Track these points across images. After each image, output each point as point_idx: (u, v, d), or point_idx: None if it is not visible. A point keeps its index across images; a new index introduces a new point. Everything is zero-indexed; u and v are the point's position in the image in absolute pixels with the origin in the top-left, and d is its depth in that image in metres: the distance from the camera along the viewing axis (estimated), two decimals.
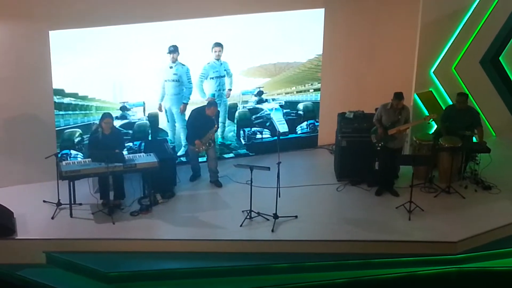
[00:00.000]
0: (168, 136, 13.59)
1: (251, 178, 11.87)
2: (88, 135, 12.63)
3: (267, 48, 13.69)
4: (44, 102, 12.56)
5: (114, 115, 12.61)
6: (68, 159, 12.76)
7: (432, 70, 14.20)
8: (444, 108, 13.93)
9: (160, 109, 13.42)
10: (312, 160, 14.29)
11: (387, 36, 14.21)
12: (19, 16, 11.98)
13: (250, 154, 14.27)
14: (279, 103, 14.27)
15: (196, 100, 13.38)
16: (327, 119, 14.20)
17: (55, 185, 12.03)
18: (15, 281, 11.07)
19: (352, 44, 14.18)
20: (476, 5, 13.99)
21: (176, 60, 13.14)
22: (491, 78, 14.78)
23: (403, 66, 14.15)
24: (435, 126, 14.17)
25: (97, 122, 12.41)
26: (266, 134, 14.31)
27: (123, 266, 11.16)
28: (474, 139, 13.39)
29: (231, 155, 14.17)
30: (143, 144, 13.36)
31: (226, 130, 14.01)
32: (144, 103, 13.27)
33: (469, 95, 13.79)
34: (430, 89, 14.32)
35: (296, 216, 12.10)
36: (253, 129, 14.21)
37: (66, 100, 12.70)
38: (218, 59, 13.44)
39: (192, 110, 13.06)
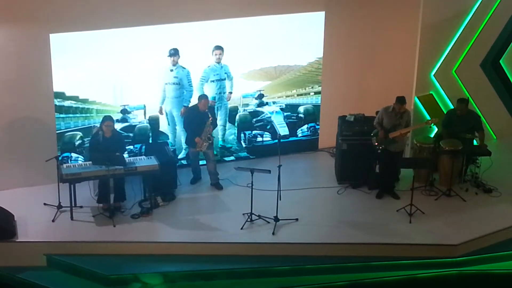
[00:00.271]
0: (168, 139, 13.59)
1: (252, 181, 11.87)
2: (89, 138, 12.63)
3: (267, 51, 13.70)
4: (45, 105, 12.57)
5: (115, 118, 12.63)
6: (69, 162, 12.77)
7: (433, 73, 14.20)
8: (445, 112, 13.93)
9: (160, 112, 13.42)
10: (313, 163, 14.29)
11: (388, 39, 14.22)
12: (20, 19, 12.00)
13: (251, 157, 14.27)
14: (280, 106, 14.27)
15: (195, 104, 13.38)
16: (328, 122, 14.20)
17: (56, 188, 12.04)
18: (16, 283, 11.07)
19: (353, 47, 14.19)
20: (477, 8, 13.99)
21: (177, 63, 13.15)
22: (491, 81, 14.78)
23: (404, 69, 14.16)
24: (436, 129, 14.17)
25: (98, 125, 12.42)
26: (267, 137, 14.31)
27: (124, 268, 11.16)
28: (475, 142, 13.39)
29: (232, 158, 14.17)
30: (143, 147, 13.36)
31: (227, 133, 14.02)
32: (144, 106, 13.28)
33: (470, 98, 13.80)
34: (430, 92, 14.32)
35: (297, 219, 12.10)
36: (253, 132, 14.21)
37: (67, 103, 12.71)
38: (218, 62, 13.45)
39: (186, 111, 13.06)
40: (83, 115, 12.90)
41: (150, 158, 12.29)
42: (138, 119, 13.31)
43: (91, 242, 11.56)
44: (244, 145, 14.23)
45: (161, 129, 13.52)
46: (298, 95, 14.36)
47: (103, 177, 11.91)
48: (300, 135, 14.54)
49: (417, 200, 12.36)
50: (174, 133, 13.60)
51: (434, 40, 13.90)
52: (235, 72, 13.65)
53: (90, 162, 12.01)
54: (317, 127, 14.56)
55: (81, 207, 12.22)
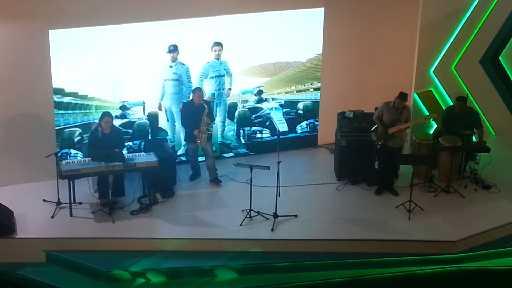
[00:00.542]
0: (168, 135, 13.59)
1: (251, 177, 11.88)
2: (88, 134, 12.63)
3: (267, 47, 13.69)
4: (44, 101, 12.57)
5: (114, 114, 12.63)
6: (68, 158, 12.77)
7: (432, 69, 14.20)
8: (444, 108, 13.93)
9: (160, 109, 13.42)
10: (312, 160, 14.29)
11: (387, 35, 14.21)
12: (19, 15, 11.99)
13: (250, 153, 14.27)
14: (279, 102, 14.27)
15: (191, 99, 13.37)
16: (327, 118, 14.20)
17: (55, 184, 12.04)
18: (15, 280, 11.08)
19: (352, 44, 14.18)
20: (476, 5, 13.99)
21: (176, 59, 13.15)
22: (491, 78, 14.78)
23: (403, 66, 14.16)
24: (435, 126, 14.17)
25: (97, 121, 12.42)
26: (266, 134, 14.31)
27: (123, 265, 11.16)
28: (474, 139, 13.39)
29: (231, 154, 14.17)
30: (143, 143, 13.36)
31: (226, 130, 14.02)
32: (144, 102, 13.28)
33: (469, 94, 13.79)
34: (430, 89, 14.32)
35: (296, 215, 12.11)
36: (253, 128, 14.21)
37: (66, 99, 12.71)
38: (218, 59, 13.44)
39: (182, 106, 13.06)
40: (82, 111, 12.90)
41: (149, 154, 12.30)
42: (137, 115, 13.31)
43: (90, 238, 11.57)
44: (243, 142, 14.23)
45: (160, 125, 13.52)
46: (297, 91, 14.36)
47: (102, 174, 11.91)
48: (299, 131, 14.54)
49: (416, 197, 12.36)
50: (173, 129, 13.60)
51: (434, 37, 13.90)
52: (234, 68, 13.65)
53: (89, 159, 12.02)
54: (316, 123, 14.55)
55: (80, 203, 12.22)
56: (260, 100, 14.11)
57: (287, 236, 11.68)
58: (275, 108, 14.26)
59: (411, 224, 11.99)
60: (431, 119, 12.94)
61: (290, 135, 14.43)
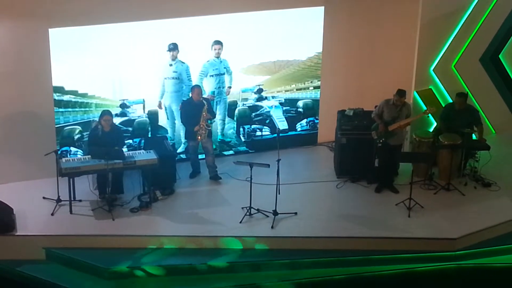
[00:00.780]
0: (167, 133, 13.60)
1: (251, 175, 11.88)
2: (88, 132, 12.64)
3: (267, 46, 13.70)
4: (44, 99, 12.58)
5: (114, 113, 12.65)
6: (68, 156, 12.78)
7: (432, 68, 14.21)
8: (443, 106, 13.93)
9: (160, 107, 13.43)
10: (312, 157, 14.30)
11: (387, 34, 14.21)
12: (19, 14, 12.00)
13: (250, 151, 14.27)
14: (279, 100, 14.28)
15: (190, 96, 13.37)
16: (327, 116, 14.21)
17: (55, 182, 12.05)
18: (14, 277, 11.09)
19: (352, 42, 14.19)
20: (476, 3, 13.99)
21: (176, 57, 13.16)
22: (490, 76, 14.78)
23: (403, 64, 14.16)
24: (435, 124, 14.18)
25: (97, 119, 12.43)
26: (266, 132, 14.32)
27: (123, 262, 11.17)
28: (474, 137, 13.40)
29: (231, 152, 14.18)
30: (143, 141, 13.37)
31: (226, 127, 14.02)
32: (144, 100, 13.29)
33: (469, 92, 13.80)
34: (430, 87, 14.33)
35: (295, 213, 12.11)
36: (252, 126, 14.22)
37: (66, 97, 12.72)
38: (218, 57, 13.45)
39: (181, 104, 13.07)
40: (82, 109, 12.92)
41: (149, 152, 12.30)
42: (137, 113, 13.32)
43: (90, 235, 11.58)
44: (243, 139, 14.24)
45: (160, 123, 13.53)
46: (297, 89, 14.37)
47: (102, 171, 11.92)
48: (299, 129, 14.55)
49: (416, 194, 12.37)
50: (173, 127, 13.61)
51: (434, 35, 13.90)
52: (234, 66, 13.66)
53: (89, 156, 12.02)
54: (316, 121, 14.56)
55: (80, 201, 12.22)
56: (260, 98, 14.13)
57: (287, 233, 11.69)
58: (275, 106, 14.27)
59: (411, 222, 11.99)
60: (430, 113, 12.93)
61: (290, 133, 14.44)
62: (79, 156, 12.75)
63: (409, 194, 12.23)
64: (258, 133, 14.26)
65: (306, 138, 14.58)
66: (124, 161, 11.93)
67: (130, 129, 13.30)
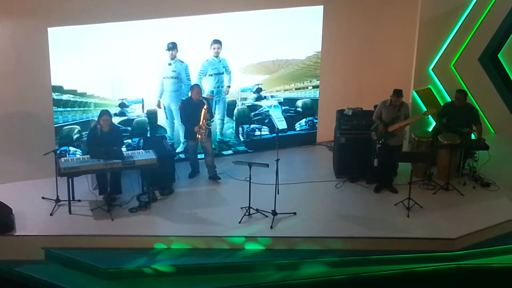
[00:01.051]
0: (167, 133, 13.59)
1: (250, 175, 11.87)
2: (87, 132, 12.62)
3: (266, 45, 13.69)
4: (43, 98, 12.56)
5: (112, 112, 12.64)
6: (67, 155, 12.76)
7: (431, 67, 14.22)
8: (442, 105, 13.94)
9: (159, 106, 13.42)
10: (311, 157, 14.29)
11: (386, 33, 14.21)
12: (18, 13, 11.99)
13: (249, 151, 14.27)
14: (278, 100, 14.27)
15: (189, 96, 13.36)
16: (326, 116, 14.20)
17: (54, 182, 12.05)
18: (13, 277, 11.09)
19: (351, 41, 14.18)
20: (475, 2, 14.00)
21: (175, 57, 13.15)
22: (489, 75, 14.78)
23: (402, 63, 14.16)
24: (434, 123, 14.18)
25: (96, 119, 12.42)
26: (265, 131, 14.31)
27: (122, 262, 11.17)
28: (473, 136, 13.40)
29: (230, 152, 14.17)
30: (141, 140, 13.36)
31: (225, 127, 14.02)
32: (143, 100, 13.28)
33: (468, 92, 13.79)
34: (429, 86, 14.34)
35: (295, 213, 12.11)
36: (251, 126, 14.21)
37: (65, 96, 12.71)
38: (217, 56, 13.44)
39: (180, 103, 13.05)
40: (81, 108, 12.90)
41: (148, 152, 12.29)
42: (136, 113, 13.30)
43: (89, 235, 11.57)
44: (242, 139, 14.23)
45: (159, 123, 13.52)
46: (296, 89, 14.36)
47: (101, 171, 11.90)
48: (298, 129, 14.54)
49: (415, 194, 12.37)
50: (172, 127, 13.60)
51: (433, 34, 13.90)
52: (233, 66, 13.65)
53: (88, 156, 12.01)
54: (315, 121, 14.55)
55: (79, 201, 12.21)
56: (259, 98, 14.12)
57: (286, 233, 11.68)
58: (274, 105, 14.26)
59: (410, 222, 11.99)
60: (430, 114, 12.93)
61: (289, 132, 14.43)
62: (78, 155, 12.73)
63: (408, 194, 12.23)
64: (257, 132, 14.26)
65: (305, 138, 14.57)
66: (123, 161, 11.91)
67: (129, 128, 13.29)
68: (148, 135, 13.45)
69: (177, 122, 13.50)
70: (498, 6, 14.21)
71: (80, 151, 12.95)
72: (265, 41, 13.65)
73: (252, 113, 14.16)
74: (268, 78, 14.04)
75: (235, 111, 14.02)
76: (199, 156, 13.34)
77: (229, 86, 13.76)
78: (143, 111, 13.34)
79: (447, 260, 11.51)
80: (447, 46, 14.15)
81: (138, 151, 12.42)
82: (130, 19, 12.62)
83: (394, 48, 14.27)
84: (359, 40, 14.20)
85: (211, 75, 13.52)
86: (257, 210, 12.03)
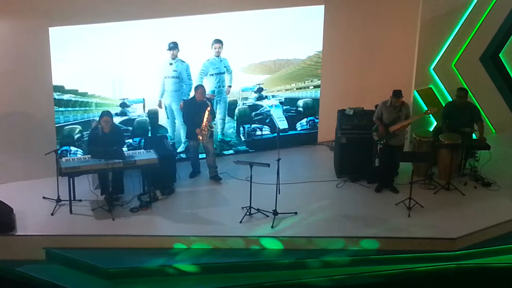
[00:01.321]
0: (168, 132, 13.59)
1: (251, 175, 11.87)
2: (88, 132, 12.63)
3: (267, 45, 13.70)
4: (44, 98, 12.57)
5: (114, 112, 12.65)
6: (68, 155, 12.78)
7: (432, 67, 14.21)
8: (444, 105, 13.93)
9: (160, 106, 13.42)
10: (312, 157, 14.30)
11: (387, 32, 14.20)
12: (19, 12, 11.99)
13: (250, 150, 14.27)
14: (279, 99, 14.27)
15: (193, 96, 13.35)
16: (327, 115, 14.20)
17: (55, 182, 12.05)
18: (14, 277, 11.09)
19: (352, 41, 14.18)
20: (476, 2, 13.99)
21: (176, 56, 13.15)
22: (491, 75, 14.78)
23: (403, 63, 14.16)
24: (435, 123, 14.18)
25: (97, 118, 12.43)
26: (266, 131, 14.31)
27: (123, 262, 11.18)
28: (474, 136, 13.40)
29: (231, 151, 14.18)
30: (143, 140, 13.36)
31: (226, 127, 14.02)
32: (144, 99, 13.28)
33: (469, 92, 13.78)
34: (430, 86, 14.34)
35: (295, 213, 12.11)
36: (252, 125, 14.21)
37: (66, 96, 12.72)
38: (218, 56, 13.44)
39: (183, 103, 13.06)
40: (82, 108, 12.91)
41: (149, 151, 12.29)
42: (137, 112, 13.31)
43: (90, 235, 11.57)
44: (243, 139, 14.23)
45: (160, 122, 13.53)
46: (297, 88, 14.36)
47: (102, 171, 11.91)
48: (299, 128, 14.54)
49: (416, 194, 12.36)
50: (173, 126, 13.60)
51: (434, 34, 13.90)
52: (234, 65, 13.65)
53: (89, 156, 12.01)
54: (316, 120, 14.55)
55: (80, 200, 12.22)
56: (260, 98, 14.12)
57: (287, 233, 11.68)
58: (275, 105, 14.26)
59: (411, 221, 11.99)
60: (430, 113, 12.93)
61: (290, 132, 14.43)
62: (79, 155, 12.75)
63: (409, 194, 12.22)
64: (258, 132, 14.26)
65: (306, 138, 14.57)
66: (124, 161, 11.92)
67: (130, 128, 13.30)
68: (149, 135, 13.46)
69: (178, 122, 13.51)
70: (499, 6, 14.21)
71: (81, 151, 12.96)
72: (266, 40, 13.65)
73: (253, 113, 14.16)
74: (269, 78, 14.04)
75: (236, 110, 14.03)
76: (200, 156, 13.34)
77: (230, 86, 13.76)
78: (144, 111, 13.35)
79: (448, 260, 11.50)
80: (448, 45, 14.15)
81: (139, 151, 12.43)
82: (131, 19, 12.62)
83: (395, 47, 14.26)
84: (360, 40, 14.19)
85: (212, 74, 13.53)
86: (258, 210, 12.03)
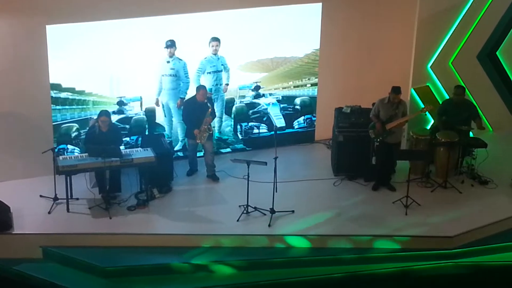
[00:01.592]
0: (165, 131, 13.58)
1: (248, 173, 11.86)
2: (85, 130, 12.62)
3: (264, 42, 13.69)
4: (41, 96, 12.55)
5: (111, 110, 12.63)
6: (65, 154, 12.77)
7: (429, 65, 14.22)
8: (441, 103, 13.93)
9: (157, 104, 13.42)
10: (309, 155, 14.30)
11: (385, 30, 14.21)
12: (16, 10, 11.98)
13: (247, 149, 14.27)
14: (276, 98, 14.27)
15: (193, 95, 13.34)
16: (324, 113, 14.20)
17: (52, 180, 12.04)
18: (11, 276, 11.05)
19: (350, 39, 14.18)
20: (473, 0, 13.97)
21: (173, 54, 13.14)
22: (488, 73, 14.79)
23: (400, 61, 14.17)
24: (432, 121, 14.18)
25: (94, 117, 12.42)
26: (263, 129, 14.31)
27: (120, 260, 11.17)
28: (471, 134, 13.40)
29: (228, 150, 14.17)
30: (140, 139, 13.35)
31: (223, 125, 14.01)
32: (141, 97, 13.28)
33: (466, 89, 13.79)
34: (427, 84, 14.34)
35: (293, 211, 12.11)
36: (250, 124, 14.21)
37: (63, 94, 12.71)
38: (215, 54, 13.44)
39: (184, 102, 13.05)
40: (80, 106, 12.89)
41: (147, 150, 12.29)
42: (135, 111, 13.31)
43: (87, 234, 11.57)
44: (240, 137, 14.23)
45: (157, 121, 13.52)
46: (294, 86, 14.36)
47: (100, 169, 11.90)
48: (296, 127, 14.54)
49: (413, 192, 12.36)
50: (171, 125, 13.60)
51: (431, 32, 13.91)
52: (232, 63, 13.64)
53: (86, 154, 12.00)
54: (313, 118, 14.55)
55: (77, 199, 12.21)
56: (258, 96, 14.12)
57: (284, 231, 11.68)
58: (273, 103, 14.26)
59: (408, 220, 11.99)
60: (427, 111, 12.93)
61: (287, 130, 14.43)
62: (76, 154, 12.73)
63: (406, 192, 12.23)
64: (255, 130, 14.26)
65: (303, 136, 14.58)
66: (121, 159, 11.92)
67: (128, 126, 13.29)
68: (146, 133, 13.45)
69: (176, 120, 13.50)
70: (496, 4, 14.22)
71: (78, 149, 12.95)
72: (264, 38, 13.65)
73: (251, 111, 14.16)
74: (266, 76, 14.04)
75: (234, 109, 14.03)
76: (198, 154, 13.33)
77: (227, 84, 13.75)
78: (141, 109, 13.34)
79: (445, 258, 11.50)
80: (446, 43, 14.16)
81: (136, 149, 12.42)
82: (128, 17, 12.61)
83: (393, 45, 14.27)
84: (358, 38, 14.19)
85: (209, 72, 13.52)
86: (255, 208, 12.03)
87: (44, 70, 12.39)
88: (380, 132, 12.50)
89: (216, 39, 13.33)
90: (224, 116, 13.96)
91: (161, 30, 12.94)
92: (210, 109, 12.63)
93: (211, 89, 13.59)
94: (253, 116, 14.19)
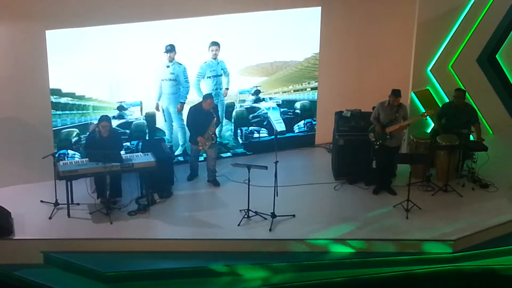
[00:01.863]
0: (165, 135, 13.57)
1: (249, 177, 11.86)
2: (86, 135, 12.61)
3: (264, 47, 13.68)
4: (41, 102, 12.54)
5: (111, 115, 12.62)
6: (66, 159, 12.75)
7: (429, 68, 14.21)
8: (441, 106, 13.93)
9: (157, 109, 13.41)
10: (310, 159, 14.29)
11: (384, 34, 14.21)
12: (16, 15, 11.97)
13: (248, 153, 14.25)
14: (276, 102, 14.26)
15: (193, 100, 13.32)
16: (324, 117, 14.19)
17: (53, 185, 12.04)
18: (13, 281, 11.07)
19: (349, 43, 14.18)
20: (473, 3, 13.99)
21: (173, 59, 13.13)
22: (488, 76, 14.79)
23: (400, 64, 14.16)
24: (433, 125, 14.18)
25: (94, 122, 12.41)
26: (264, 133, 14.30)
27: (121, 266, 11.17)
28: (472, 138, 13.40)
29: (229, 154, 14.16)
30: (140, 143, 13.35)
31: (224, 129, 14.00)
32: (141, 102, 13.27)
33: (466, 93, 13.79)
34: (427, 87, 14.33)
35: (293, 215, 12.10)
36: (250, 128, 14.20)
37: (63, 100, 12.69)
38: (215, 58, 13.43)
39: (190, 109, 13.05)
40: (80, 112, 12.88)
41: (147, 154, 12.29)
42: (135, 115, 13.29)
43: (88, 239, 11.57)
44: (240, 141, 14.22)
45: (157, 125, 13.51)
46: (294, 91, 14.35)
47: (100, 174, 11.89)
48: (296, 131, 14.53)
49: (414, 196, 12.36)
50: (171, 129, 13.59)
51: (431, 35, 13.90)
52: (232, 68, 13.64)
53: (87, 159, 12.00)
54: (313, 123, 14.54)
55: (78, 204, 12.20)
56: (258, 100, 14.11)
57: (285, 235, 11.68)
58: (273, 107, 14.25)
59: (409, 223, 11.99)
60: (428, 115, 12.94)
61: (287, 134, 14.41)
62: (76, 159, 12.71)
63: (407, 196, 12.22)
64: (256, 135, 14.25)
65: (303, 140, 14.56)
66: (121, 164, 11.91)
67: (128, 131, 13.28)
68: (147, 137, 13.44)
69: (176, 124, 13.49)
70: (496, 7, 14.21)
71: (79, 154, 12.94)
72: (263, 43, 13.64)
73: (251, 115, 14.15)
74: (266, 80, 14.03)
75: (234, 113, 14.02)
76: (200, 158, 13.32)
77: (227, 88, 13.75)
78: (141, 114, 13.33)
79: (446, 262, 11.50)
80: (445, 47, 14.15)
81: (136, 154, 12.42)
82: (128, 22, 12.61)
83: (392, 49, 14.27)
84: (357, 41, 14.19)
85: (209, 77, 13.51)
86: (256, 212, 12.02)
87: (44, 75, 12.37)
88: (380, 135, 12.50)
89: (215, 44, 13.33)
90: (224, 121, 13.95)
91: (161, 35, 12.93)
92: (215, 119, 12.63)
93: (211, 93, 13.56)
94: (253, 120, 14.18)
